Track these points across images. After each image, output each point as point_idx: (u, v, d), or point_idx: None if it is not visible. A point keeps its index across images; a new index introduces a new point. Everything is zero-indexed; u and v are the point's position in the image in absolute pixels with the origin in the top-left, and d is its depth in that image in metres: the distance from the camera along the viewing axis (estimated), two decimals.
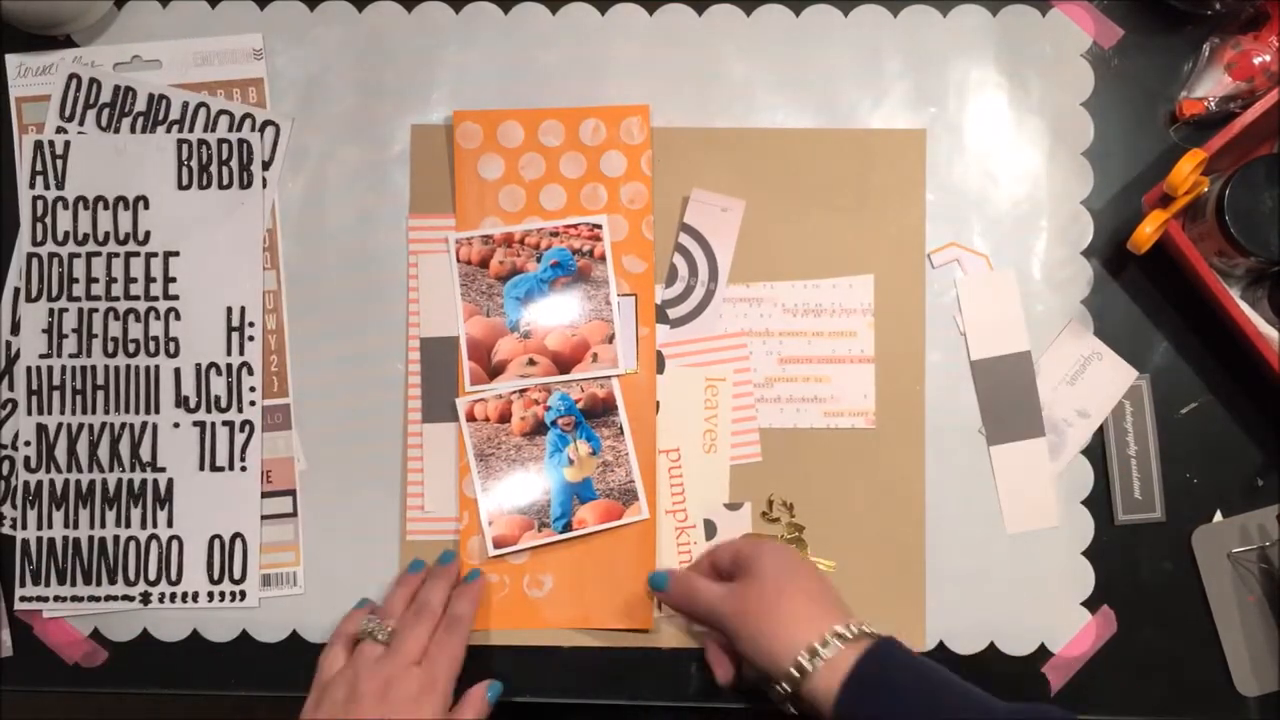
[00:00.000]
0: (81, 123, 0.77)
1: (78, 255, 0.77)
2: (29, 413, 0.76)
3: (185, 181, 0.77)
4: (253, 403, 0.76)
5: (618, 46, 0.77)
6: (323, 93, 0.78)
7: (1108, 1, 0.77)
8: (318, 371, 0.76)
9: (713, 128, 0.77)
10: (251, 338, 0.76)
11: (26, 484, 0.76)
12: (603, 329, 0.75)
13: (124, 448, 0.76)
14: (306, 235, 0.77)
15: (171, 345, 0.76)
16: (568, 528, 0.74)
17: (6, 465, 0.76)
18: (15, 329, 0.77)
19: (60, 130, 0.77)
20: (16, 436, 0.76)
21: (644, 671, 0.74)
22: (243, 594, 0.75)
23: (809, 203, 0.76)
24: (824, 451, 0.75)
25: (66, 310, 0.76)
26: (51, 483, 0.76)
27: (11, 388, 0.76)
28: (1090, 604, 0.74)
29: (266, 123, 0.77)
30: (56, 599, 0.75)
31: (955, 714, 0.59)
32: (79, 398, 0.76)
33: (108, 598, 0.75)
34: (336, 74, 0.78)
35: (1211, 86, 0.74)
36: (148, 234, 0.77)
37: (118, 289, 0.77)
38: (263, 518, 0.76)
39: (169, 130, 0.77)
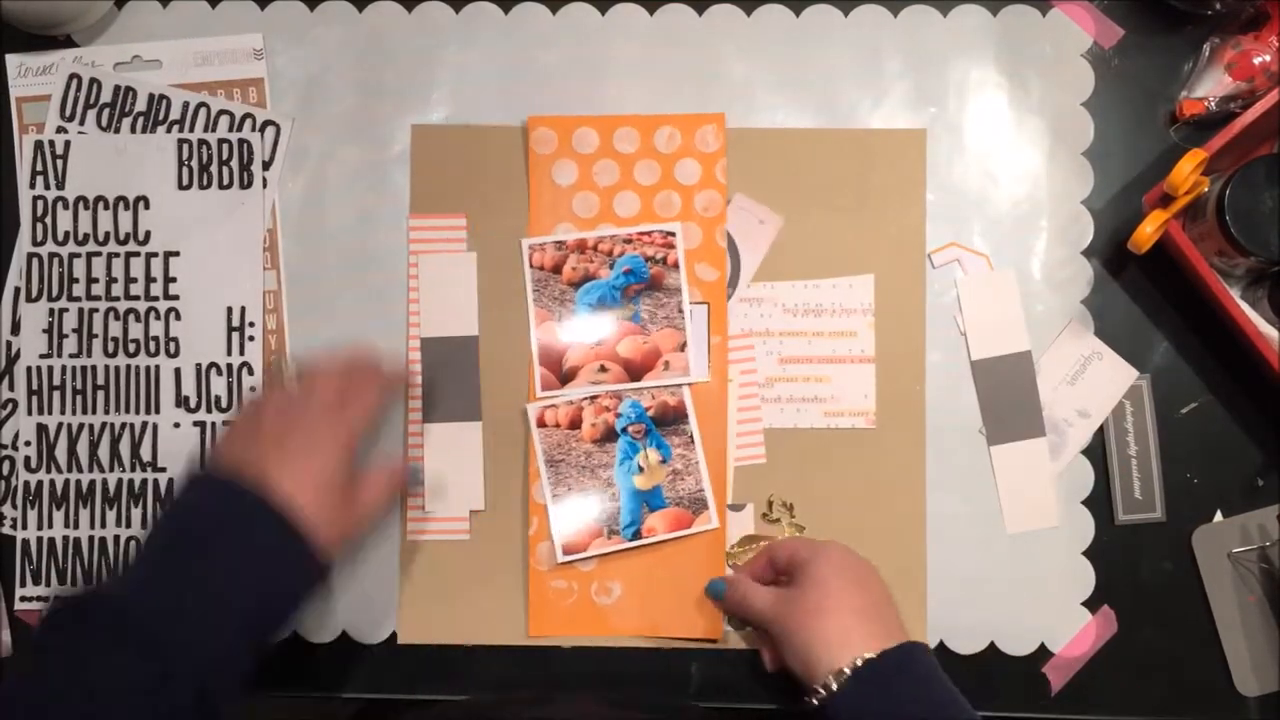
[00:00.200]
0: (82, 123, 0.77)
1: (78, 255, 0.77)
2: (29, 413, 0.76)
3: (185, 181, 0.77)
4: None
5: (618, 46, 0.77)
6: (323, 93, 0.78)
7: (1108, 1, 0.77)
8: None
9: None
10: (251, 338, 0.76)
11: (26, 484, 0.76)
12: (675, 337, 0.75)
13: (124, 448, 0.76)
14: (306, 235, 0.77)
15: (172, 345, 0.76)
16: (637, 535, 0.74)
17: (6, 465, 0.76)
18: (15, 329, 0.77)
19: (60, 130, 0.77)
20: (16, 436, 0.76)
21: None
22: None
23: (809, 203, 0.76)
24: (824, 451, 0.75)
25: (67, 310, 0.76)
26: (52, 483, 0.76)
27: (11, 388, 0.76)
28: (1090, 604, 0.74)
29: (267, 123, 0.77)
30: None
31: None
32: (79, 398, 0.76)
33: None
34: (336, 74, 0.78)
35: (1212, 86, 0.74)
36: (148, 234, 0.77)
37: (118, 289, 0.77)
38: None
39: (169, 130, 0.77)
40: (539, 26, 0.77)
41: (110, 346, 0.76)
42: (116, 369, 0.76)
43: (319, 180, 0.77)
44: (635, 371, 0.75)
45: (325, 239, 0.77)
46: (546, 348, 0.75)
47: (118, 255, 0.77)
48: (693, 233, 0.76)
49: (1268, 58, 0.73)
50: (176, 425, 0.76)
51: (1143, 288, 0.76)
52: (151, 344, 0.76)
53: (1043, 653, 0.74)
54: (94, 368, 0.76)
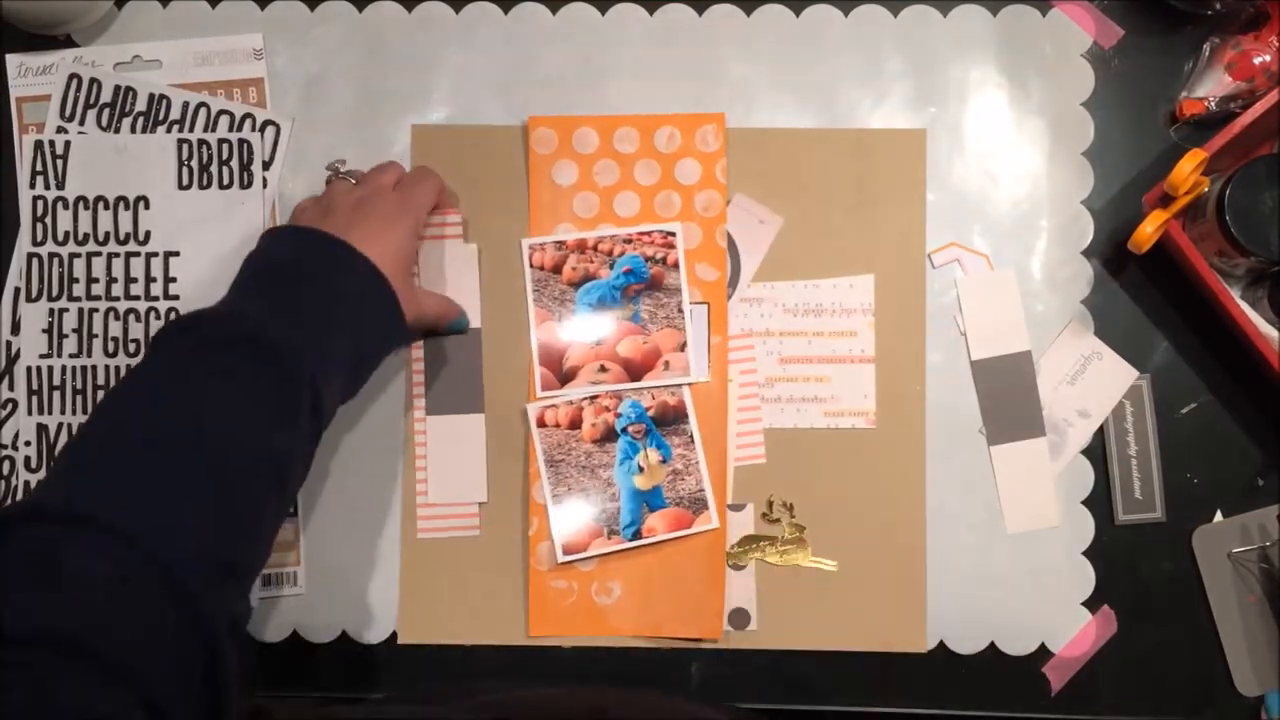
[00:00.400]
0: (82, 123, 0.77)
1: (78, 255, 0.77)
2: (29, 413, 0.76)
3: (185, 181, 0.77)
4: None
5: (618, 46, 0.77)
6: (323, 93, 0.78)
7: (1108, 1, 0.77)
8: None
9: None
10: None
11: (27, 484, 0.76)
12: (675, 337, 0.75)
13: None
14: None
15: None
16: (637, 535, 0.74)
17: (6, 465, 0.76)
18: (15, 329, 0.77)
19: (60, 130, 0.77)
20: (16, 436, 0.76)
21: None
22: None
23: (809, 203, 0.76)
24: (824, 451, 0.75)
25: (67, 310, 0.76)
26: None
27: (11, 388, 0.76)
28: (1090, 604, 0.74)
29: (267, 123, 0.77)
30: None
31: None
32: (79, 398, 0.76)
33: None
34: (336, 74, 0.78)
35: (1211, 86, 0.74)
36: (148, 234, 0.77)
37: (118, 289, 0.77)
38: None
39: (169, 130, 0.77)
40: (539, 26, 0.77)
41: (110, 346, 0.76)
42: (116, 369, 0.76)
43: (319, 180, 0.77)
44: (635, 371, 0.75)
45: None
46: (546, 348, 0.75)
47: (118, 255, 0.77)
48: (693, 233, 0.76)
49: (1268, 58, 0.73)
50: None
51: (1143, 288, 0.76)
52: None
53: (1043, 653, 0.74)
54: (94, 368, 0.76)
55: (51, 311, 0.76)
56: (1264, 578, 0.72)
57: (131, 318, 0.76)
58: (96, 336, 0.76)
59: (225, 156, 0.77)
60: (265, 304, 0.63)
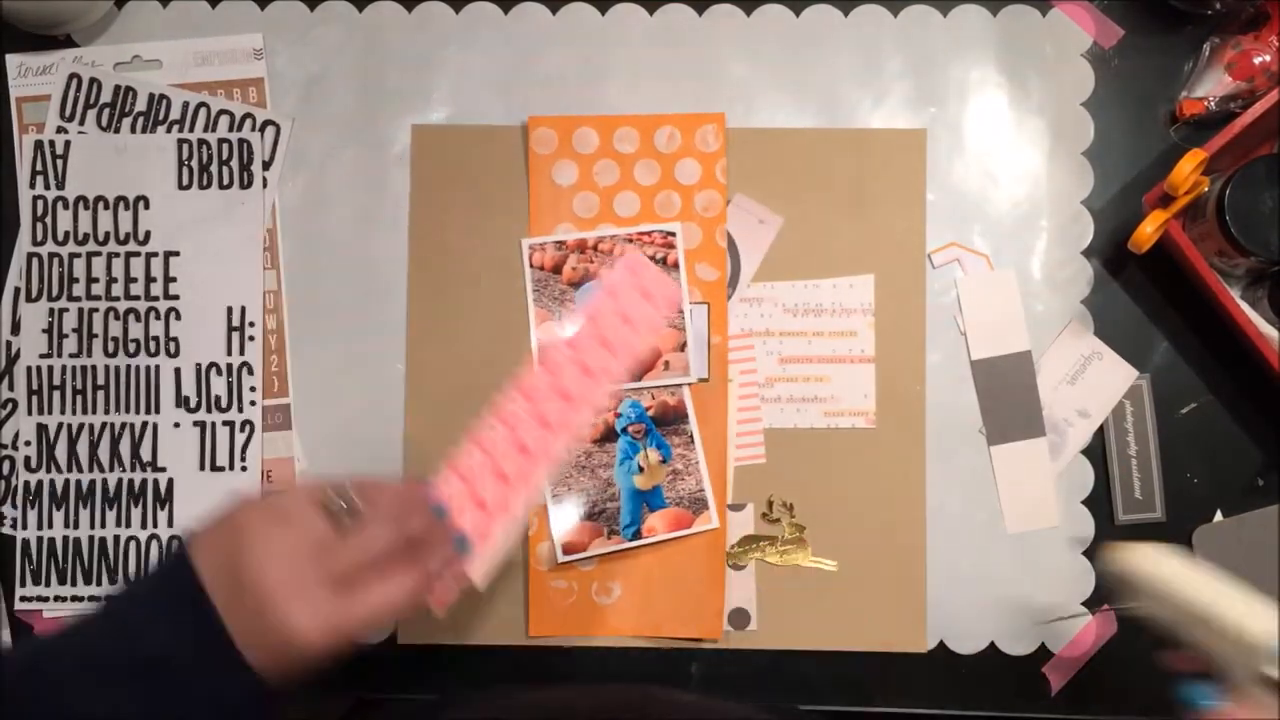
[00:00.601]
0: (82, 123, 0.77)
1: (78, 255, 0.77)
2: (29, 413, 0.76)
3: (185, 181, 0.77)
4: (253, 403, 0.76)
5: (618, 47, 0.77)
6: (323, 93, 0.78)
7: (1108, 1, 0.77)
8: (318, 371, 0.76)
9: None
10: (251, 338, 0.76)
11: (27, 484, 0.76)
12: (675, 336, 0.75)
13: (124, 448, 0.76)
14: (306, 235, 0.77)
15: (172, 345, 0.76)
16: (637, 535, 0.74)
17: (6, 465, 0.76)
18: (15, 329, 0.77)
19: (60, 130, 0.77)
20: (16, 436, 0.76)
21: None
22: None
23: (809, 203, 0.76)
24: (824, 451, 0.75)
25: (66, 310, 0.76)
26: (52, 483, 0.76)
27: (11, 388, 0.76)
28: (1090, 604, 0.74)
29: (266, 123, 0.77)
30: (57, 599, 0.75)
31: None
32: (79, 398, 0.76)
33: None
34: (336, 74, 0.78)
35: (1211, 86, 0.74)
36: (148, 234, 0.77)
37: (118, 289, 0.77)
38: None
39: (169, 130, 0.77)
40: (539, 26, 0.77)
41: (110, 346, 0.76)
42: (116, 369, 0.76)
43: (319, 180, 0.77)
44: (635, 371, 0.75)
45: (325, 239, 0.77)
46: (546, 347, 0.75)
47: (118, 255, 0.77)
48: (693, 233, 0.76)
49: (1268, 58, 0.73)
50: (176, 425, 0.76)
51: (1143, 288, 0.76)
52: (151, 344, 0.76)
53: (1042, 653, 0.74)
54: (94, 368, 0.76)
55: (51, 311, 0.76)
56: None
57: (131, 318, 0.76)
58: (96, 336, 0.76)
59: (225, 156, 0.77)
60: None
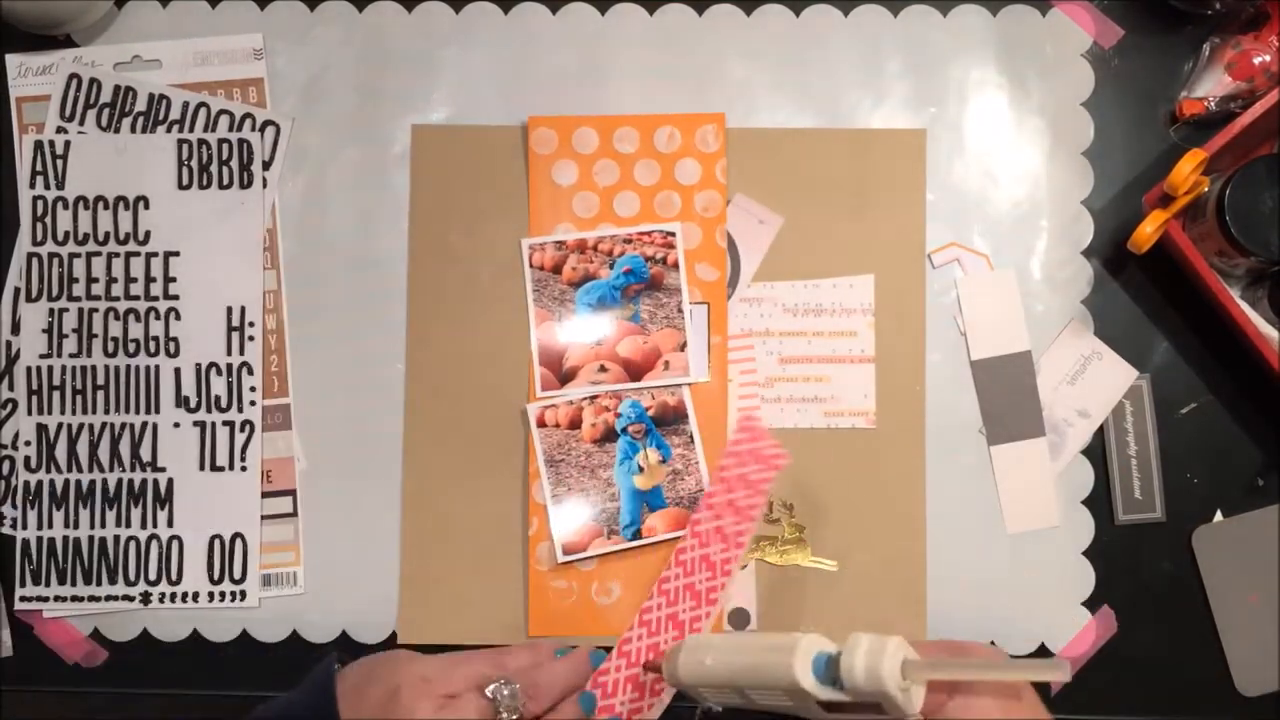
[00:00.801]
0: (82, 123, 0.77)
1: (78, 255, 0.77)
2: (29, 413, 0.76)
3: (185, 181, 0.77)
4: (253, 403, 0.76)
5: (618, 47, 0.77)
6: (323, 93, 0.78)
7: (1108, 1, 0.77)
8: (318, 371, 0.76)
9: None
10: (251, 338, 0.76)
11: (26, 484, 0.76)
12: (674, 337, 0.75)
13: (124, 448, 0.76)
14: (306, 235, 0.77)
15: (171, 345, 0.76)
16: (637, 535, 0.74)
17: (6, 465, 0.76)
18: (15, 329, 0.77)
19: (60, 130, 0.77)
20: (16, 436, 0.76)
21: None
22: (243, 594, 0.75)
23: (809, 203, 0.76)
24: (824, 451, 0.75)
25: (66, 310, 0.76)
26: (51, 483, 0.76)
27: (11, 388, 0.76)
28: (1090, 604, 0.74)
29: (266, 123, 0.77)
30: (57, 599, 0.75)
31: None
32: (79, 398, 0.76)
33: (108, 598, 0.75)
34: (336, 74, 0.78)
35: (1211, 86, 0.74)
36: (148, 234, 0.77)
37: (118, 289, 0.77)
38: (263, 518, 0.76)
39: (169, 130, 0.77)
40: (539, 27, 0.77)
41: (110, 346, 0.76)
42: (116, 369, 0.76)
43: (319, 180, 0.77)
44: (635, 371, 0.75)
45: (325, 239, 0.77)
46: (546, 348, 0.75)
47: (118, 255, 0.77)
48: (693, 233, 0.76)
49: (1268, 58, 0.73)
50: (176, 425, 0.76)
51: (1143, 288, 0.76)
52: (151, 344, 0.76)
53: (1043, 653, 0.74)
54: (94, 368, 0.76)
55: (51, 311, 0.76)
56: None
57: (131, 318, 0.76)
58: (96, 336, 0.76)
59: (225, 156, 0.77)
60: None
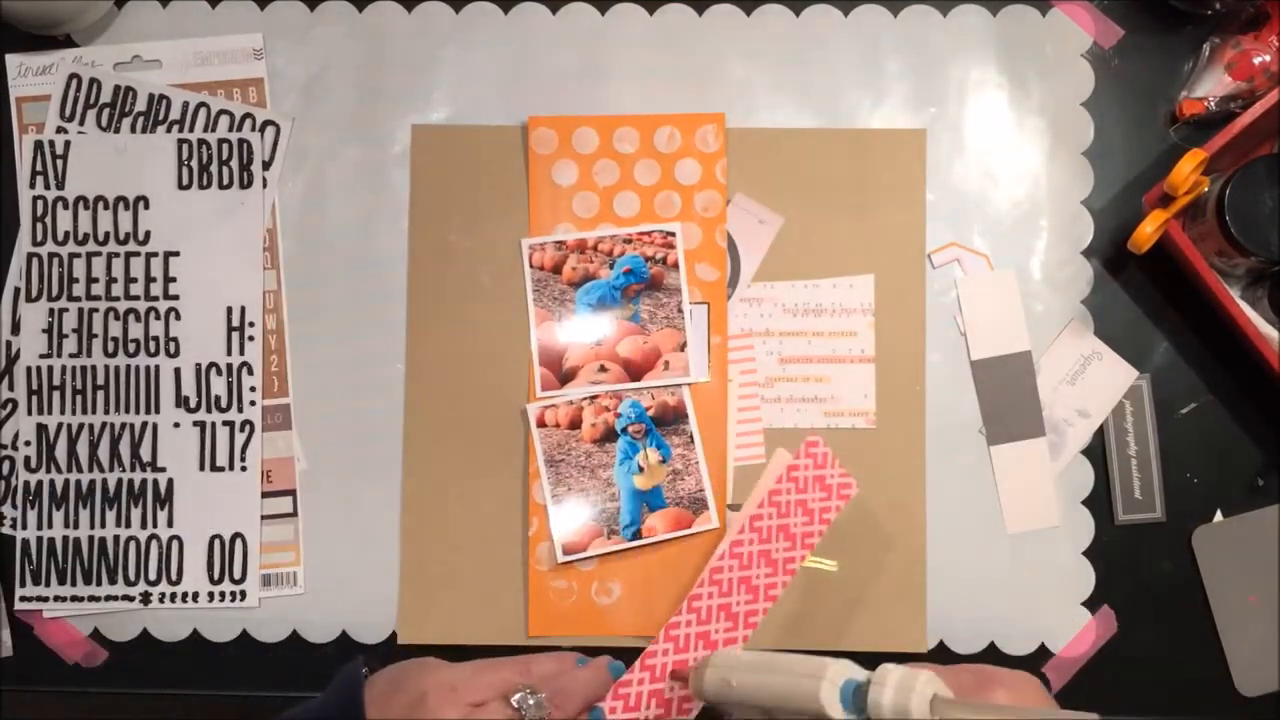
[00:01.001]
0: (82, 123, 0.77)
1: (78, 255, 0.77)
2: (29, 413, 0.76)
3: (185, 181, 0.77)
4: (253, 403, 0.76)
5: (618, 47, 0.77)
6: (323, 93, 0.78)
7: (1108, 1, 0.77)
8: (318, 371, 0.76)
9: None
10: (251, 338, 0.76)
11: (26, 484, 0.76)
12: (674, 337, 0.75)
13: (124, 448, 0.76)
14: (306, 235, 0.77)
15: (171, 345, 0.76)
16: (637, 535, 0.74)
17: (6, 465, 0.76)
18: (15, 329, 0.77)
19: (60, 130, 0.77)
20: (16, 436, 0.76)
21: None
22: (243, 594, 0.75)
23: (809, 203, 0.76)
24: None
25: (66, 310, 0.76)
26: (51, 483, 0.76)
27: (11, 388, 0.76)
28: (1090, 604, 0.74)
29: (266, 123, 0.77)
30: (57, 599, 0.75)
31: None
32: (79, 398, 0.76)
33: (108, 598, 0.75)
34: (336, 74, 0.78)
35: (1211, 86, 0.74)
36: (148, 234, 0.77)
37: (118, 289, 0.77)
38: (263, 518, 0.76)
39: (169, 130, 0.77)
40: (539, 27, 0.77)
41: (110, 346, 0.76)
42: (116, 369, 0.76)
43: (319, 180, 0.77)
44: (635, 371, 0.75)
45: (325, 239, 0.77)
46: (546, 348, 0.75)
47: (118, 255, 0.77)
48: (693, 233, 0.76)
49: (1268, 58, 0.73)
50: (176, 425, 0.76)
51: (1143, 288, 0.76)
52: (151, 344, 0.76)
53: (1043, 653, 0.74)
54: (94, 368, 0.76)
55: (51, 311, 0.76)
56: None
57: (131, 318, 0.76)
58: (96, 336, 0.76)
59: (225, 156, 0.77)
60: None
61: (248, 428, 0.76)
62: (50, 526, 0.76)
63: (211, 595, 0.75)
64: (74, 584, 0.75)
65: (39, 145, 0.77)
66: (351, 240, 0.77)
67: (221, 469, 0.76)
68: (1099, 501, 0.75)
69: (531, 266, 0.76)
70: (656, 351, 0.75)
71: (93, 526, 0.76)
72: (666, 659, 0.66)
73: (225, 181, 0.77)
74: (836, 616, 0.74)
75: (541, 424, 0.75)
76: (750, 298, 0.76)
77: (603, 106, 0.77)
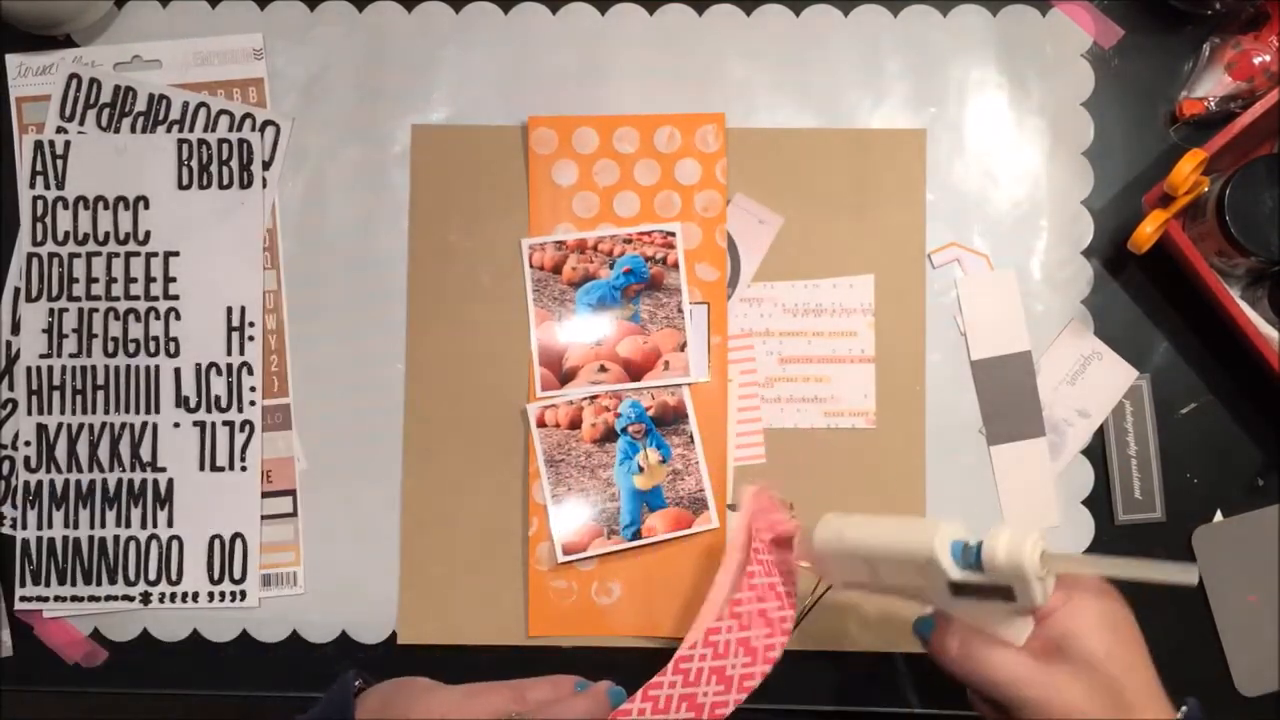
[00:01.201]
0: (82, 123, 0.77)
1: (78, 255, 0.77)
2: (29, 413, 0.76)
3: (185, 181, 0.77)
4: (253, 403, 0.76)
5: (618, 47, 0.77)
6: (323, 93, 0.78)
7: (1108, 1, 0.77)
8: (318, 371, 0.76)
9: None
10: (251, 338, 0.76)
11: (26, 484, 0.76)
12: (674, 337, 0.75)
13: (124, 448, 0.76)
14: (306, 235, 0.77)
15: (171, 345, 0.76)
16: (637, 535, 0.74)
17: (6, 465, 0.76)
18: (15, 329, 0.77)
19: (60, 130, 0.77)
20: (16, 436, 0.76)
21: None
22: (243, 594, 0.75)
23: (809, 203, 0.76)
24: (824, 451, 0.75)
25: (66, 310, 0.76)
26: (51, 483, 0.76)
27: (11, 388, 0.76)
28: None
29: (266, 123, 0.77)
30: (57, 599, 0.75)
31: None
32: (79, 398, 0.76)
33: (108, 598, 0.75)
34: (336, 74, 0.78)
35: (1211, 86, 0.74)
36: (148, 234, 0.77)
37: (118, 289, 0.77)
38: (263, 518, 0.76)
39: (169, 130, 0.77)
40: (539, 27, 0.77)
41: (110, 346, 0.76)
42: (116, 369, 0.76)
43: (319, 180, 0.77)
44: (635, 371, 0.75)
45: (325, 239, 0.77)
46: (546, 348, 0.75)
47: (118, 255, 0.77)
48: (693, 233, 0.76)
49: (1268, 58, 0.73)
50: (176, 425, 0.76)
51: (1143, 288, 0.76)
52: (151, 344, 0.76)
53: None
54: (94, 368, 0.76)
55: (51, 311, 0.76)
56: None
57: (131, 318, 0.76)
58: (96, 336, 0.76)
59: (225, 156, 0.77)
60: None
61: (248, 428, 0.76)
62: (50, 526, 0.76)
63: (211, 595, 0.75)
64: (74, 584, 0.75)
65: (39, 145, 0.77)
66: (351, 240, 0.77)
67: (221, 469, 0.76)
68: (1099, 501, 0.75)
69: (531, 266, 0.76)
70: (656, 351, 0.75)
71: (93, 526, 0.76)
72: (674, 691, 0.62)
73: (225, 181, 0.77)
74: (837, 616, 0.74)
75: (541, 424, 0.75)
76: (750, 298, 0.76)
77: (603, 106, 0.77)
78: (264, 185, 0.77)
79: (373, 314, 0.76)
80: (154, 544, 0.75)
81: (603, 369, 0.75)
